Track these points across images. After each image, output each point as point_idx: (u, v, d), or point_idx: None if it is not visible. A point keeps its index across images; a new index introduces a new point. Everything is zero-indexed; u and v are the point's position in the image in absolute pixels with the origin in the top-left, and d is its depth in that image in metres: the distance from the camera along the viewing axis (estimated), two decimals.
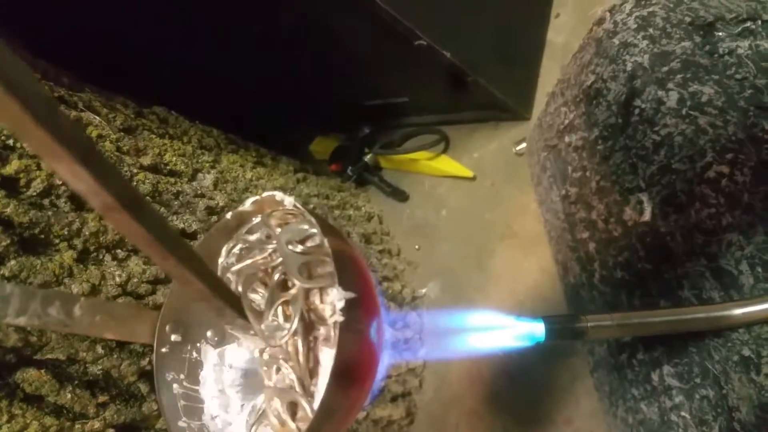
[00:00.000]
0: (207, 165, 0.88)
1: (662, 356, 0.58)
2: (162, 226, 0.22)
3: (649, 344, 0.61)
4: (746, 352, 0.49)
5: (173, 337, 0.39)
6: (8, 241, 0.53)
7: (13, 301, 0.32)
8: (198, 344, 0.41)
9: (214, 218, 0.79)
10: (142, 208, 0.20)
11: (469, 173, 1.20)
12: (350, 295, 0.30)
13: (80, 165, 0.17)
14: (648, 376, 0.61)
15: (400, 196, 1.33)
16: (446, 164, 1.24)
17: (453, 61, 0.91)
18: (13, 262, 0.53)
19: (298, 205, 0.35)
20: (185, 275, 0.24)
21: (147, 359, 0.60)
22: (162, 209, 0.73)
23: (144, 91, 0.96)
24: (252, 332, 0.32)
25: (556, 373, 0.91)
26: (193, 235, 0.74)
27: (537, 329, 0.46)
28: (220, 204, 0.83)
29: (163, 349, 0.39)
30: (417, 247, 1.25)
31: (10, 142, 0.59)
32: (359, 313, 0.32)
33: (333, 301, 0.31)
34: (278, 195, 0.36)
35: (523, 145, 1.10)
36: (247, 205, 0.38)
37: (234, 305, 0.30)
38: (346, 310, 0.30)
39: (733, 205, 0.52)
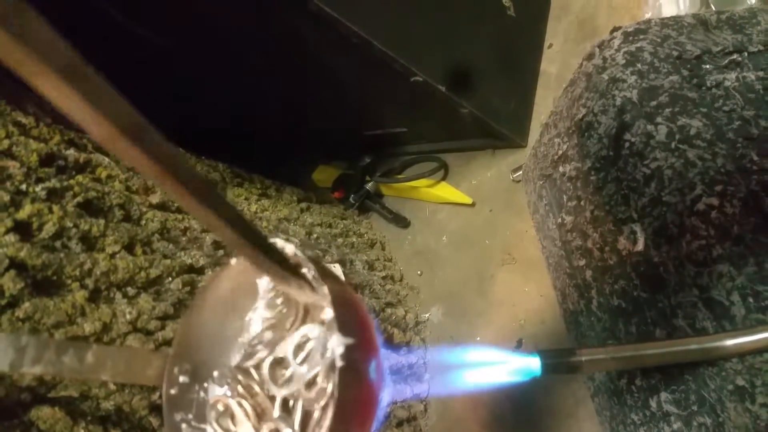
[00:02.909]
0: None
1: (660, 383, 0.59)
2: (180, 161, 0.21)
3: (647, 371, 0.61)
4: (740, 382, 0.49)
5: (181, 379, 0.40)
6: (22, 284, 0.55)
7: (29, 351, 0.33)
8: (205, 384, 0.42)
9: (221, 252, 0.81)
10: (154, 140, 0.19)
11: (468, 200, 1.21)
12: (349, 341, 0.31)
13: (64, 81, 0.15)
14: (647, 402, 0.61)
15: (402, 222, 1.35)
16: (446, 191, 1.26)
17: (448, 94, 0.94)
18: (27, 304, 0.55)
19: (299, 252, 0.36)
20: (215, 222, 0.23)
21: (158, 393, 0.62)
22: (170, 245, 0.74)
23: None
24: (290, 284, 0.32)
25: (558, 397, 0.91)
26: (200, 270, 0.76)
27: (533, 364, 0.47)
28: None
29: (172, 391, 0.40)
30: (419, 272, 1.26)
31: (23, 187, 0.61)
32: (359, 354, 0.33)
33: (333, 347, 0.32)
34: (279, 242, 0.37)
35: (520, 172, 1.11)
36: None
37: (269, 252, 0.28)
38: (345, 355, 0.31)
39: (723, 236, 0.52)
